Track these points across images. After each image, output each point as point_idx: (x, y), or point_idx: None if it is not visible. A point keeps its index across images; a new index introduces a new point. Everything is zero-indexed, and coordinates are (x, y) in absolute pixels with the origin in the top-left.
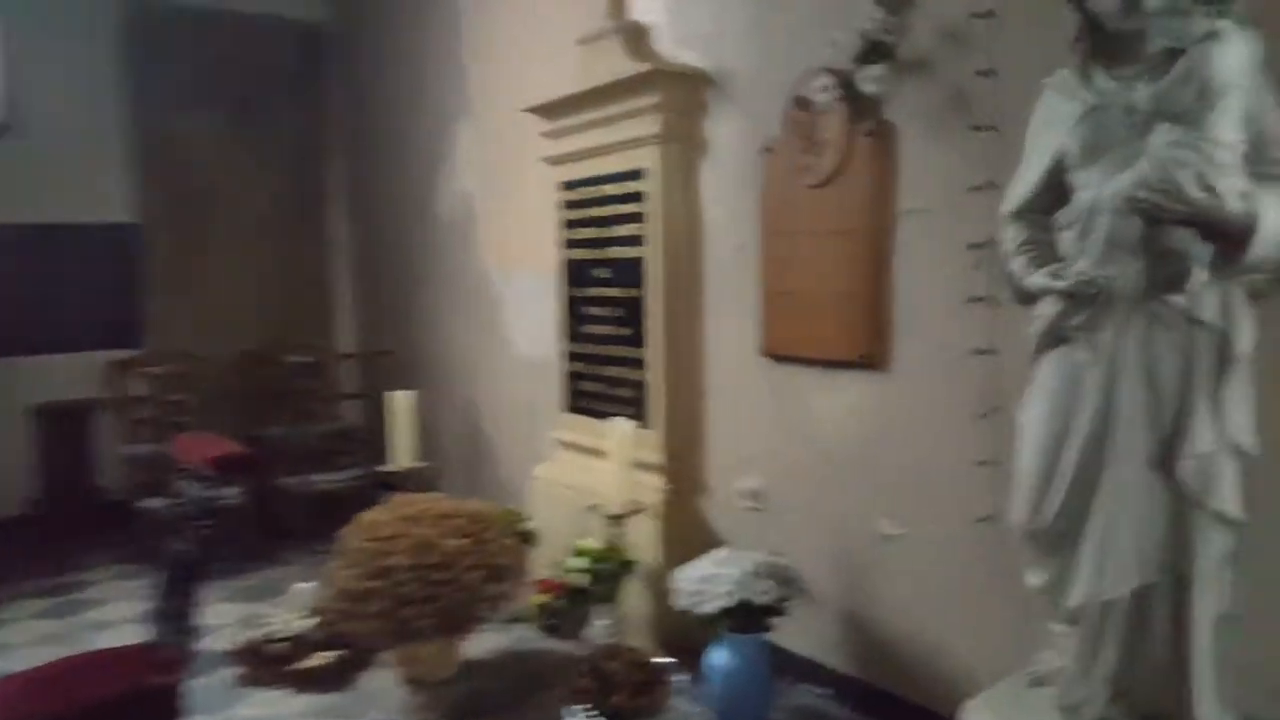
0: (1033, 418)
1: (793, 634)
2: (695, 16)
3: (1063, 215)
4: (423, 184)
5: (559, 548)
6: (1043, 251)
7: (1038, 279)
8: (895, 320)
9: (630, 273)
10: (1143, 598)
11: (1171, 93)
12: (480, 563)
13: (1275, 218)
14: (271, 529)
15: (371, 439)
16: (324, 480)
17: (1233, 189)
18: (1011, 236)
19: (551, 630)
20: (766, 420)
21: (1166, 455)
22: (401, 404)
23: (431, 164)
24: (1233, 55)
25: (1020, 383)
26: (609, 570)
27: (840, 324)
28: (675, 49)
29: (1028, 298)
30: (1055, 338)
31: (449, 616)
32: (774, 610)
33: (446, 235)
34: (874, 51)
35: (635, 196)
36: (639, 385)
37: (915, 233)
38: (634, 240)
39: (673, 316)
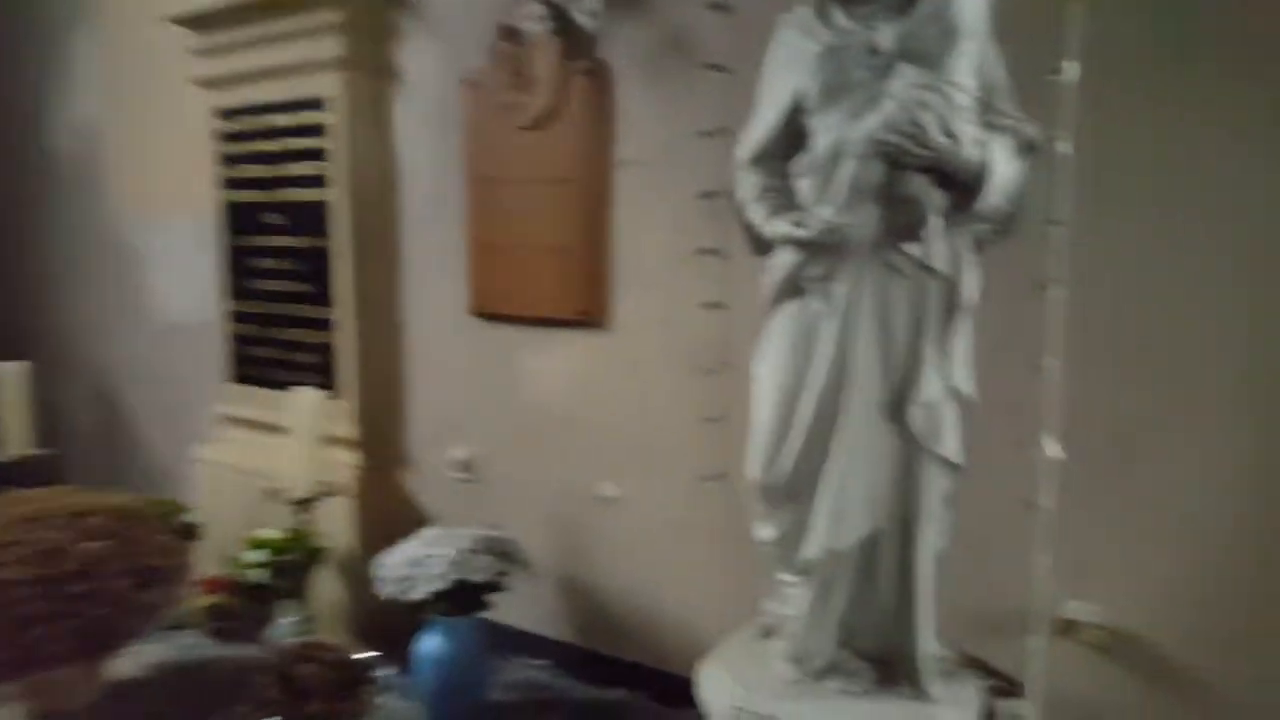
0: (768, 371)
1: (511, 609)
2: None
3: (801, 161)
4: (25, 110)
5: (232, 540)
6: (782, 199)
7: (779, 227)
8: (615, 275)
9: (311, 219)
10: (871, 544)
11: (917, 33)
12: (128, 567)
13: (1004, 167)
14: None
15: None
16: None
17: (971, 135)
18: (749, 184)
19: (224, 635)
20: (477, 385)
21: (897, 403)
22: (9, 380)
23: (37, 85)
24: (973, 1)
25: (750, 337)
26: (294, 562)
27: (556, 280)
28: None
29: (765, 248)
30: (792, 289)
31: (91, 634)
32: (493, 587)
33: (64, 176)
34: None
35: (314, 130)
36: (325, 349)
37: (637, 181)
38: (314, 181)
39: (365, 270)
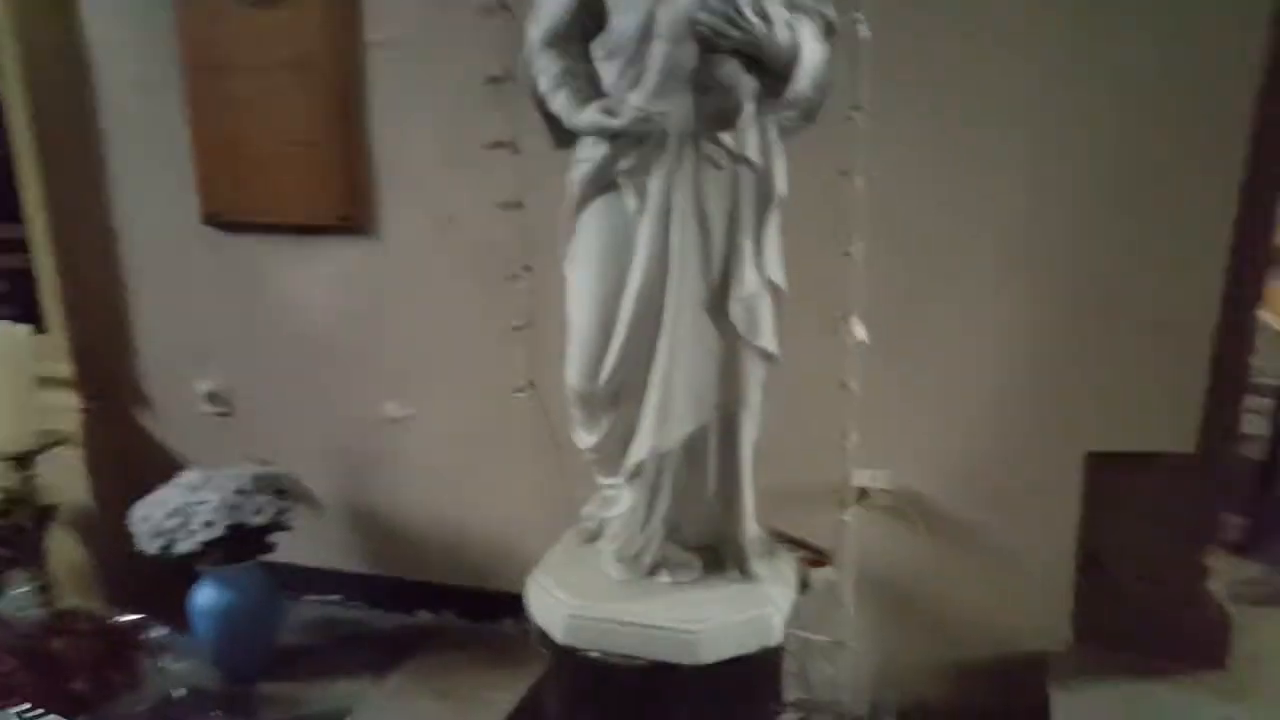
0: (582, 274)
1: (297, 547)
2: None
3: (602, 43)
4: None
5: None
6: (585, 85)
7: (588, 116)
8: (380, 174)
9: None
10: (696, 438)
11: None
12: None
13: (812, 50)
14: None
15: None
16: None
17: (782, 16)
18: (545, 68)
19: None
20: (221, 305)
21: (718, 298)
22: None
23: None
24: None
25: (549, 237)
26: (18, 526)
27: (307, 180)
28: None
29: (568, 139)
30: (601, 184)
31: None
32: (273, 528)
33: None
34: None
35: None
36: (21, 275)
37: (396, 66)
38: None
39: (59, 178)
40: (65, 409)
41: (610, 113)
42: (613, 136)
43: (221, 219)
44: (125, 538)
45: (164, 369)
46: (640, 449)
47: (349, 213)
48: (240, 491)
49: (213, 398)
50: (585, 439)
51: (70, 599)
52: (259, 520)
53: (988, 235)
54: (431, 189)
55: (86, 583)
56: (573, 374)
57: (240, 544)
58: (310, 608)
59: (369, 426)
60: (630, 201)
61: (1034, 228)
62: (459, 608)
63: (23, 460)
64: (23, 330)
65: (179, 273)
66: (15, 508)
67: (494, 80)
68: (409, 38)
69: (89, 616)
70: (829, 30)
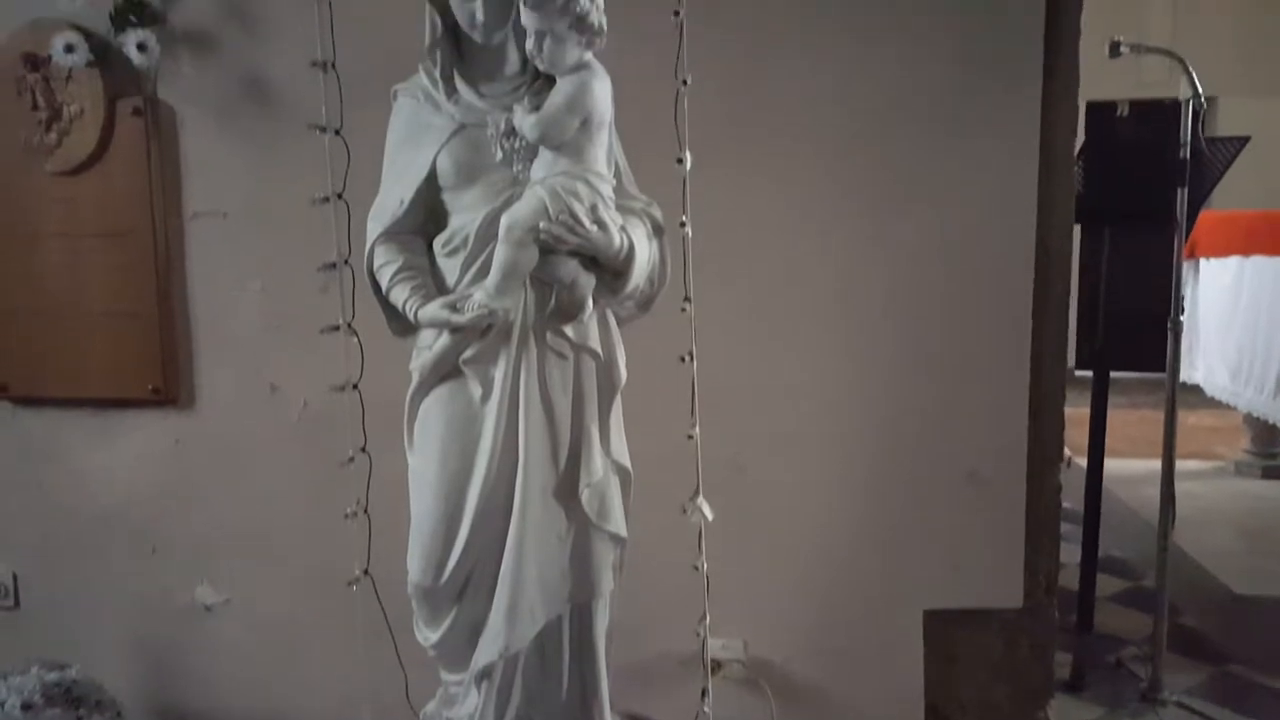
0: (425, 462)
1: None
2: None
3: (442, 240)
4: None
5: None
6: (423, 278)
7: (432, 312)
8: (198, 344)
9: None
10: (547, 632)
11: (554, 120)
12: None
13: (643, 250)
14: None
15: None
16: None
17: (615, 221)
18: (386, 262)
19: None
20: (16, 486)
21: (568, 485)
22: None
23: None
24: (602, 90)
25: (385, 420)
26: None
27: (116, 351)
28: None
29: (407, 329)
30: (444, 372)
31: None
32: None
33: None
34: (134, 12)
35: None
36: None
37: (219, 238)
38: None
39: None
40: None
41: (455, 309)
42: (454, 330)
43: (14, 392)
44: None
45: None
46: (489, 650)
47: (161, 384)
48: (27, 707)
49: None
50: (428, 635)
51: None
52: None
53: (813, 405)
54: (254, 361)
55: None
56: (415, 568)
57: None
58: None
59: (179, 615)
60: (474, 389)
61: (855, 395)
62: None
63: None
64: None
65: None
66: None
67: (328, 267)
68: (235, 209)
69: None
70: (658, 230)
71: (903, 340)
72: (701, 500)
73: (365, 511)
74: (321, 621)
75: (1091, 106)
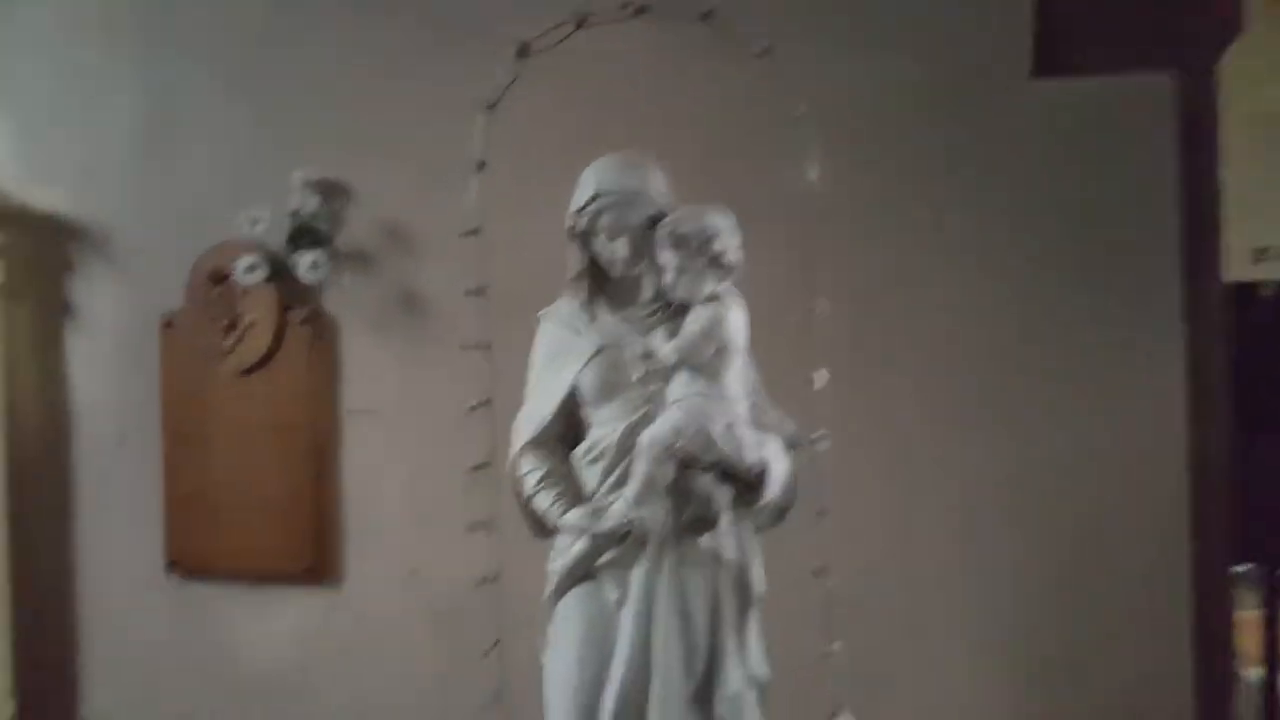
0: (560, 663)
1: None
2: (59, 150)
3: (583, 450)
4: None
5: None
6: (566, 485)
7: (573, 519)
8: (348, 528)
9: None
10: None
11: (695, 346)
12: None
13: (778, 464)
14: None
15: None
16: None
17: (750, 440)
18: (530, 470)
19: None
20: (178, 650)
21: (702, 695)
22: None
23: None
24: (736, 319)
25: (522, 615)
26: None
27: (277, 532)
28: (27, 184)
29: (549, 531)
30: (581, 575)
31: None
32: None
33: None
34: (308, 235)
35: None
36: None
37: (370, 432)
38: None
39: (26, 521)
40: None
41: (595, 517)
42: (594, 536)
43: (186, 568)
44: None
45: (109, 715)
46: None
47: (313, 564)
48: None
49: None
50: None
51: None
52: None
53: (957, 623)
54: (398, 548)
55: None
56: None
57: None
58: None
59: None
60: (610, 593)
61: (1000, 612)
62: None
63: None
64: None
65: (135, 619)
66: None
67: (477, 469)
68: (387, 409)
69: None
70: (792, 444)
71: (1048, 555)
72: (847, 713)
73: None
74: None
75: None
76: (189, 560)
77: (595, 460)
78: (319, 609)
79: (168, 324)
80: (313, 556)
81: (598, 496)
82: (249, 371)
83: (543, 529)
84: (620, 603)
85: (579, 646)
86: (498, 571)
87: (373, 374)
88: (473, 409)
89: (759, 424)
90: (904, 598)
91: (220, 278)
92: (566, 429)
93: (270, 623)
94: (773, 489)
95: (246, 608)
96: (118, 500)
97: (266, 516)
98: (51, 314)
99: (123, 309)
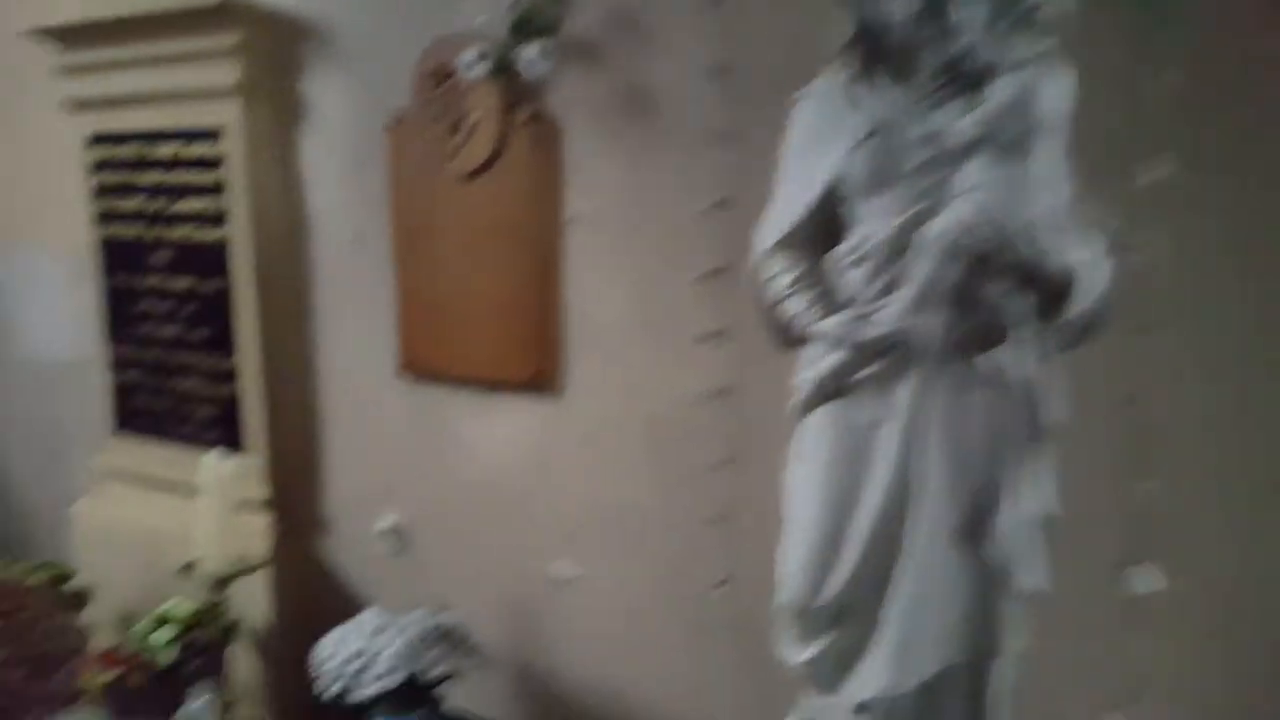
0: (806, 482)
1: (458, 692)
2: None
3: (846, 250)
4: None
5: (121, 604)
6: (822, 290)
7: (831, 327)
8: (571, 338)
9: (206, 260)
10: (935, 683)
11: (991, 121)
12: (19, 655)
13: (1090, 272)
14: None
15: None
16: None
17: (1057, 241)
18: (778, 273)
19: (126, 714)
20: (407, 449)
21: (973, 529)
22: None
23: None
24: (1054, 90)
25: (756, 426)
26: (205, 641)
27: (499, 339)
28: None
29: (797, 342)
30: (834, 390)
31: None
32: (444, 679)
33: None
34: (532, 26)
35: (208, 163)
36: (228, 403)
37: (596, 242)
38: (213, 219)
39: (271, 319)
40: (253, 531)
41: (858, 324)
42: (852, 347)
43: (414, 370)
44: (299, 662)
45: (349, 503)
46: (869, 685)
47: (536, 372)
48: (416, 642)
49: (390, 535)
50: (795, 654)
51: (240, 713)
52: (434, 674)
53: None
54: (621, 359)
55: (262, 701)
56: (791, 586)
57: (411, 693)
58: None
59: (537, 582)
60: (867, 412)
61: None
62: None
63: (222, 583)
64: (232, 461)
65: (369, 415)
66: (204, 622)
67: (712, 274)
68: (613, 213)
69: None
70: (1114, 250)
71: None
72: (1144, 567)
73: (722, 519)
74: (674, 612)
75: None
76: (418, 363)
77: (860, 262)
78: (541, 418)
79: (395, 123)
80: (535, 365)
81: (861, 303)
82: (473, 174)
83: (790, 338)
84: (878, 423)
85: (827, 466)
86: (730, 385)
87: (598, 176)
88: (709, 209)
89: (1069, 223)
90: (1236, 433)
91: (444, 75)
92: (824, 228)
93: (494, 429)
94: (1082, 301)
95: (472, 412)
96: (353, 301)
97: (490, 323)
98: (287, 114)
99: (353, 109)
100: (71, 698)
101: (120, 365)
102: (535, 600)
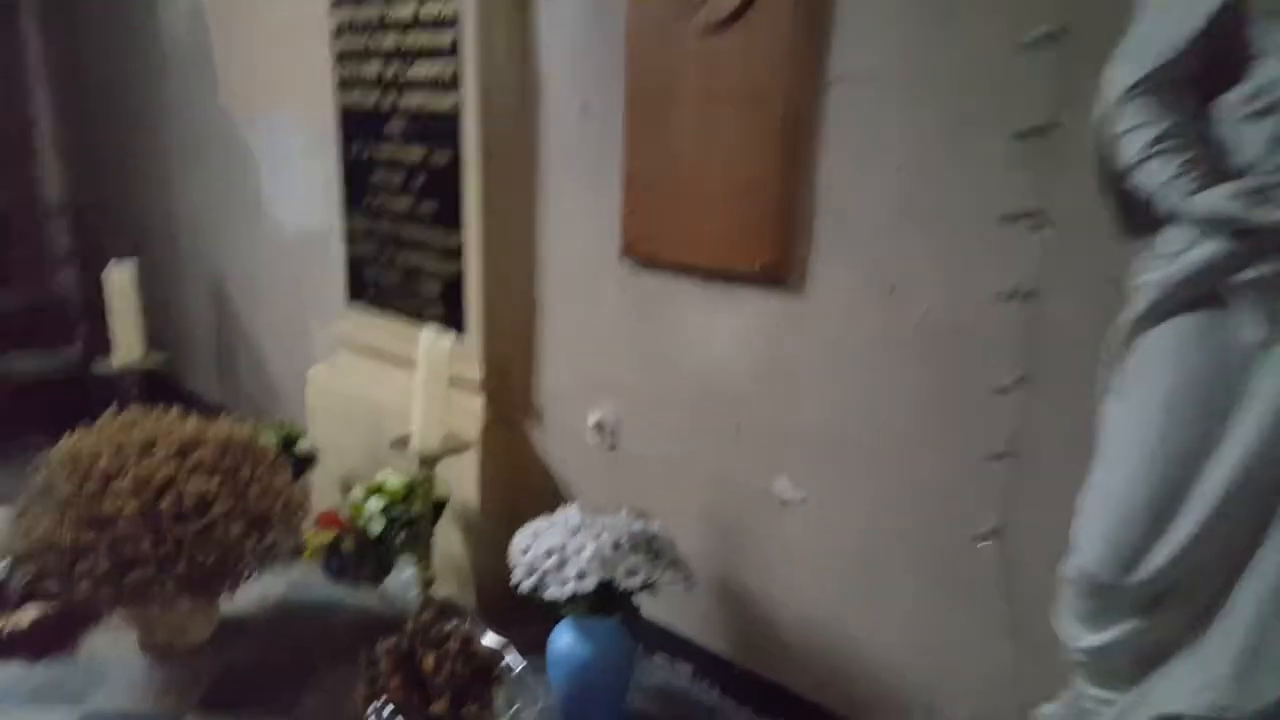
0: (1136, 422)
1: (655, 602)
2: None
3: (1244, 94)
4: None
5: (344, 469)
6: (1198, 152)
7: (1212, 201)
8: (818, 226)
9: (440, 130)
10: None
11: None
12: (241, 511)
13: None
14: None
15: (93, 317)
16: (29, 366)
17: None
18: (1139, 121)
19: (341, 576)
20: (625, 339)
21: None
22: (119, 283)
23: None
24: None
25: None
26: (412, 516)
27: (735, 224)
28: None
29: (1150, 226)
30: (1193, 296)
31: (198, 580)
32: (640, 588)
33: (177, 62)
34: None
35: (441, 23)
36: (450, 279)
37: (862, 105)
38: (443, 85)
39: (497, 193)
40: (467, 411)
41: (1253, 201)
42: (1240, 233)
43: (639, 254)
44: (500, 546)
45: (562, 391)
46: (1185, 696)
47: (775, 262)
48: (617, 546)
49: (600, 429)
50: (1080, 635)
51: (442, 593)
52: (630, 583)
53: None
54: (878, 251)
55: (457, 581)
56: (1090, 552)
57: (607, 598)
58: (656, 669)
59: (753, 499)
60: (1246, 329)
61: None
62: None
63: (430, 461)
64: (448, 340)
65: (590, 301)
66: (413, 497)
67: (1031, 133)
68: (887, 73)
69: (458, 633)
70: None
71: None
72: None
73: (1003, 455)
74: (913, 555)
75: None
76: (642, 245)
77: (1263, 113)
78: (776, 315)
79: None
80: (774, 253)
81: (1259, 169)
82: (722, 24)
83: (1141, 219)
84: (1262, 346)
85: (1171, 400)
86: (1035, 285)
87: (876, 21)
88: (1032, 43)
89: None
90: None
91: None
92: (1208, 65)
93: (721, 324)
94: None
95: (698, 305)
96: (579, 178)
97: (726, 205)
98: None
99: None
100: (293, 554)
101: (355, 237)
102: (749, 519)
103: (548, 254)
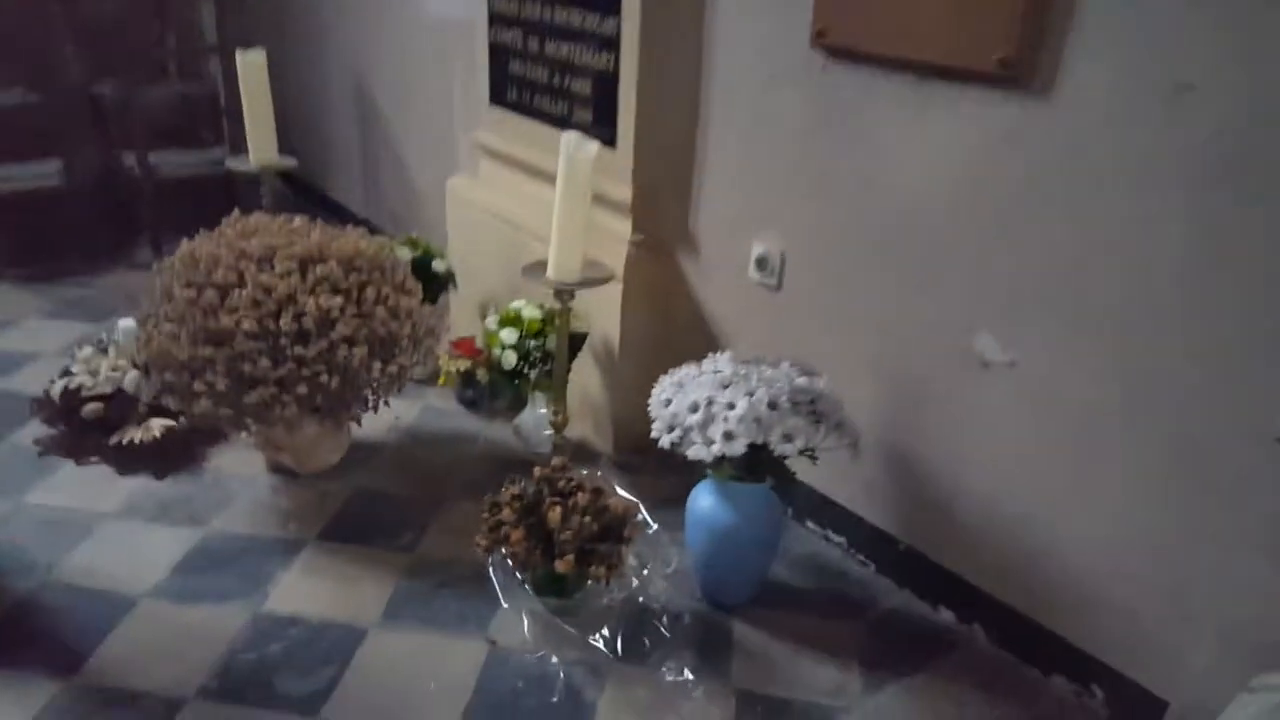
0: None
1: (806, 463)
2: None
3: None
4: None
5: (483, 292)
6: None
7: None
8: (1078, 9)
9: None
10: None
11: None
12: (366, 335)
13: None
14: (111, 220)
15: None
16: (178, 162)
17: None
18: None
19: (473, 406)
20: (802, 157)
21: None
22: (249, 71)
23: None
24: None
25: None
26: (548, 350)
27: (967, 7)
28: None
29: None
30: None
31: (319, 403)
32: (802, 454)
33: None
34: None
35: None
36: (603, 78)
37: None
38: None
39: None
40: (613, 235)
41: None
42: None
43: (835, 43)
44: (641, 389)
45: (720, 218)
46: None
47: (1011, 56)
48: (774, 406)
49: (763, 264)
50: None
51: (580, 434)
52: (786, 449)
53: None
54: (1164, 42)
55: (598, 423)
56: None
57: (758, 460)
58: (805, 537)
59: (945, 357)
60: None
61: None
62: (997, 629)
63: (568, 294)
64: (594, 146)
65: (766, 104)
66: (548, 330)
67: None
68: None
69: (590, 485)
70: None
71: None
72: None
73: None
74: (1151, 445)
75: None
76: (839, 31)
77: None
78: (1006, 124)
79: None
80: (1018, 45)
81: None
82: None
83: None
84: None
85: None
86: None
87: None
88: None
89: None
90: None
91: None
92: None
93: (931, 136)
94: None
95: (903, 110)
96: None
97: None
98: None
99: None
100: (429, 379)
101: (499, 23)
102: (937, 380)
103: (719, 42)
